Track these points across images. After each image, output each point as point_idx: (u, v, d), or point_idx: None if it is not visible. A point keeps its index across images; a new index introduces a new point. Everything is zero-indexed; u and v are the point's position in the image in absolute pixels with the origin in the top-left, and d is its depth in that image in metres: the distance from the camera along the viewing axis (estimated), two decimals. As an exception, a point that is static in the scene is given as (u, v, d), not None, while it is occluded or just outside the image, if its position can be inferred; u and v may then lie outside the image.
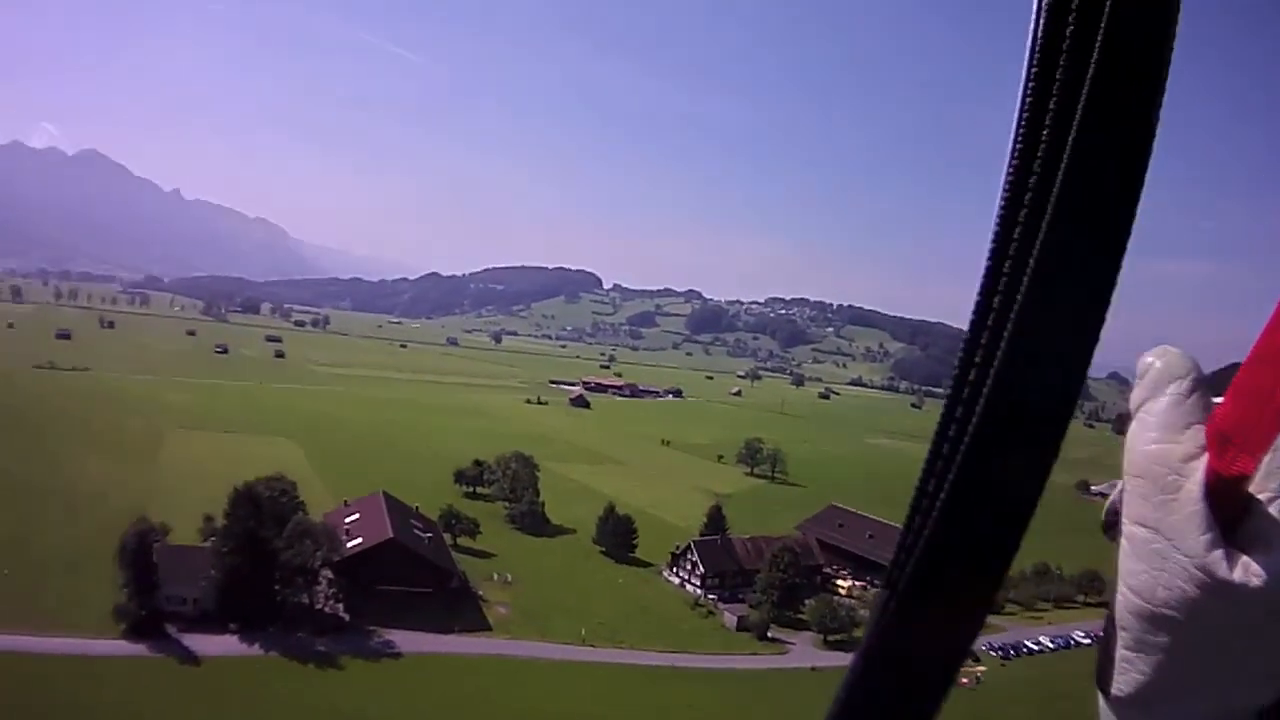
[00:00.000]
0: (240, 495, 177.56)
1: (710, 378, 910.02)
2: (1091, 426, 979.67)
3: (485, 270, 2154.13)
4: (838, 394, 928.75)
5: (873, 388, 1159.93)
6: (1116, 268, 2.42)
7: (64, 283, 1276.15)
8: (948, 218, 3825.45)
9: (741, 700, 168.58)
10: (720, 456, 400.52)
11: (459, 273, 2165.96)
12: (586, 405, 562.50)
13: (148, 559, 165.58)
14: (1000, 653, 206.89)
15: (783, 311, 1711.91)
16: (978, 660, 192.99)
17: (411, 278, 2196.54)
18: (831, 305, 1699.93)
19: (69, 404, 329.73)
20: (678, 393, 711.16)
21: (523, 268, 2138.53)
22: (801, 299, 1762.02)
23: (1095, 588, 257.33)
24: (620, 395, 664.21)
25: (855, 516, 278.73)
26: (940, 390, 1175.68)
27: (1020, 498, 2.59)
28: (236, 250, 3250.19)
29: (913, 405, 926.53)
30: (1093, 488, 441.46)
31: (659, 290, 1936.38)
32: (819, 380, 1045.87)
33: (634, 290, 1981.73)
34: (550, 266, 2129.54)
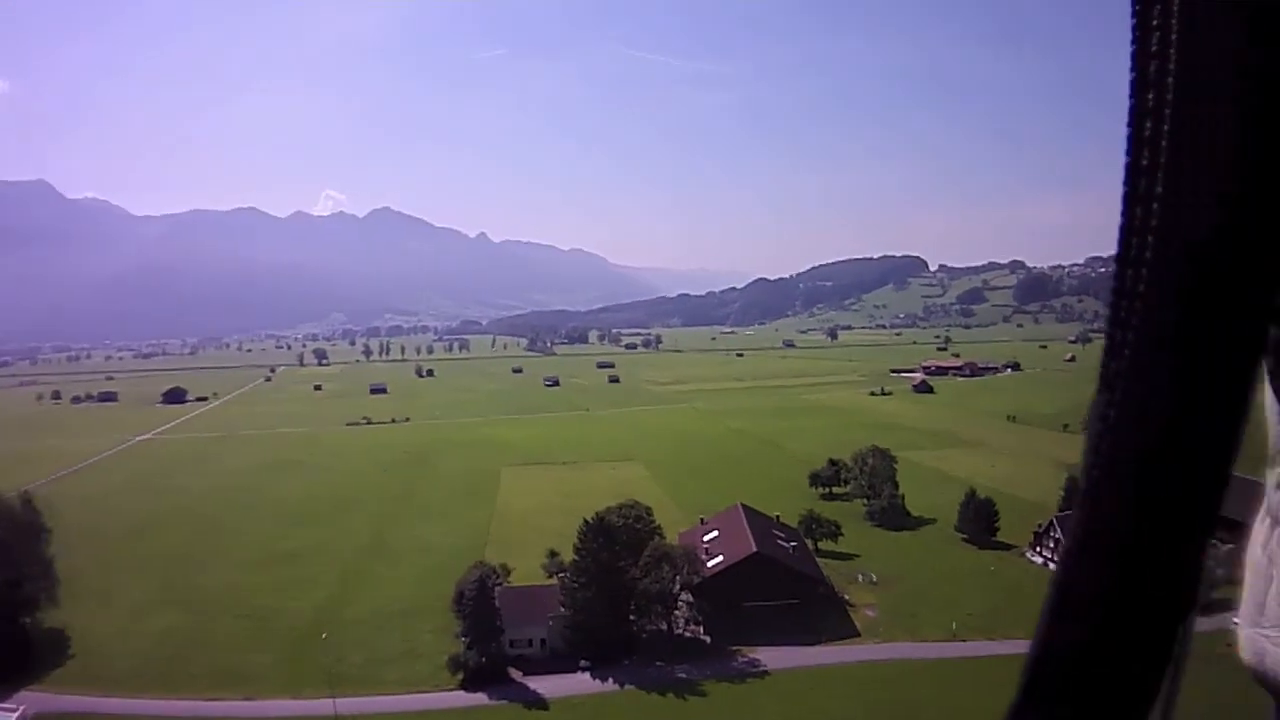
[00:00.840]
0: (591, 526, 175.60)
1: (1044, 346, 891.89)
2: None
3: (812, 269, 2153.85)
4: None
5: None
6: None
7: (372, 339, 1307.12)
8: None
9: None
10: (1066, 426, 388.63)
11: (786, 274, 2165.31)
12: (930, 390, 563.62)
13: (488, 604, 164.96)
14: None
15: (1103, 270, 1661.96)
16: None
17: (739, 286, 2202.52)
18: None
19: (386, 455, 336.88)
20: (1015, 366, 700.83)
21: (849, 261, 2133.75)
22: (1092, 258, 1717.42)
23: None
24: (960, 375, 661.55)
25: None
26: None
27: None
28: (556, 284, 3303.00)
29: None
30: None
31: (984, 265, 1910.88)
32: None
33: (959, 269, 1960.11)
34: (875, 256, 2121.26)
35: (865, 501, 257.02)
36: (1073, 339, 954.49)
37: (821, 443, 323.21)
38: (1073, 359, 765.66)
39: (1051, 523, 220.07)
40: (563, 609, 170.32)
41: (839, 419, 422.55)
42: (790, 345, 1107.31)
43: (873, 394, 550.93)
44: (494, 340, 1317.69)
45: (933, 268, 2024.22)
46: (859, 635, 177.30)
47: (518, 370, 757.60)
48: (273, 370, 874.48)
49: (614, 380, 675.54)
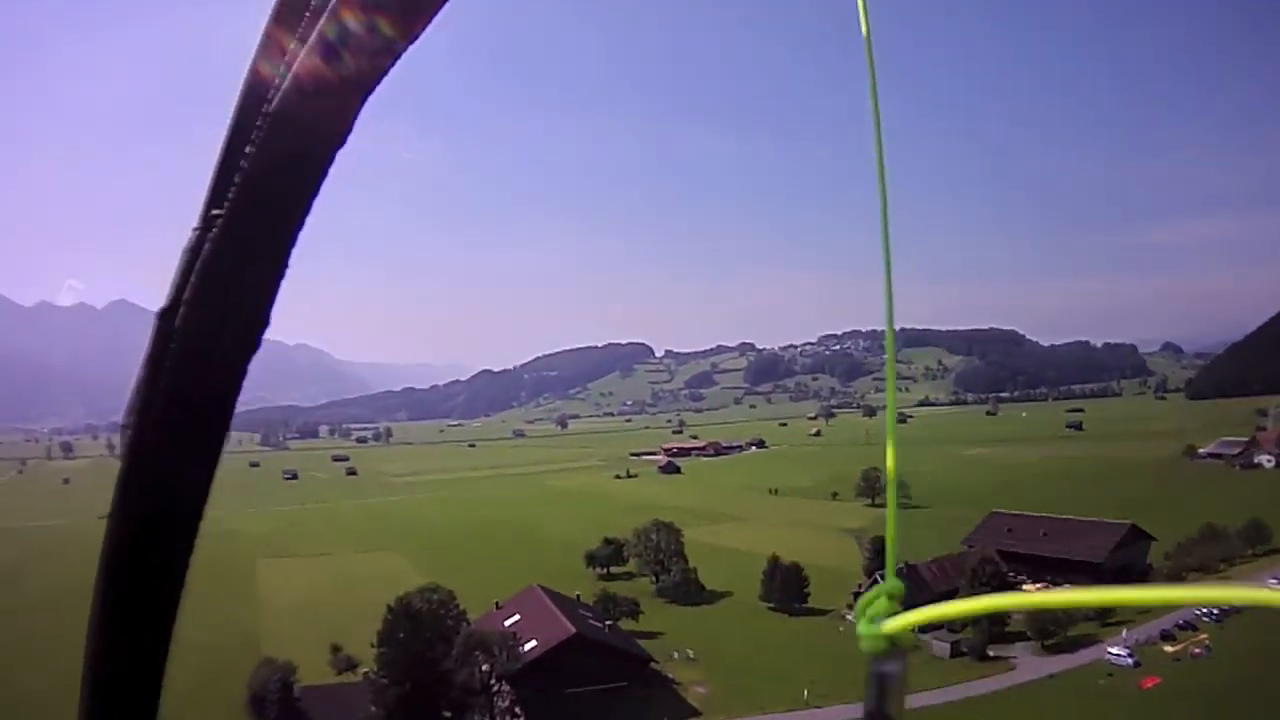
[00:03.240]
0: (397, 613, 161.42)
1: (784, 424, 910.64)
2: (1163, 398, 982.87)
3: (536, 359, 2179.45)
4: (911, 416, 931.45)
5: (940, 405, 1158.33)
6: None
7: (115, 434, 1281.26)
8: (982, 220, 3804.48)
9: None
10: (835, 494, 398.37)
11: (510, 366, 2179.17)
12: (677, 470, 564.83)
13: (292, 706, 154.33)
14: (1214, 616, 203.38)
15: (837, 347, 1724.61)
16: (1196, 630, 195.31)
17: (464, 378, 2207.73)
18: (883, 331, 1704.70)
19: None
20: (760, 443, 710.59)
21: (573, 350, 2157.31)
22: (853, 331, 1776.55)
23: (1262, 536, 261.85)
24: (705, 455, 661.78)
25: (1023, 519, 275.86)
26: (1007, 395, 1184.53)
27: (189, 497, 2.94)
28: (284, 379, 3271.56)
29: (988, 413, 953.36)
30: (1200, 451, 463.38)
31: (712, 349, 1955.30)
32: (879, 409, 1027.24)
33: (687, 354, 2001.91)
34: (600, 344, 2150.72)
35: (654, 579, 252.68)
36: (813, 415, 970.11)
37: (579, 526, 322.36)
38: (818, 434, 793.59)
39: (875, 580, 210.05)
40: (374, 708, 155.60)
41: (590, 503, 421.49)
42: (520, 435, 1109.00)
43: (618, 476, 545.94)
44: (229, 436, 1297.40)
45: (659, 354, 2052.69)
46: (700, 714, 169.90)
47: (255, 464, 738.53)
48: (23, 463, 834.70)
49: (351, 473, 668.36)
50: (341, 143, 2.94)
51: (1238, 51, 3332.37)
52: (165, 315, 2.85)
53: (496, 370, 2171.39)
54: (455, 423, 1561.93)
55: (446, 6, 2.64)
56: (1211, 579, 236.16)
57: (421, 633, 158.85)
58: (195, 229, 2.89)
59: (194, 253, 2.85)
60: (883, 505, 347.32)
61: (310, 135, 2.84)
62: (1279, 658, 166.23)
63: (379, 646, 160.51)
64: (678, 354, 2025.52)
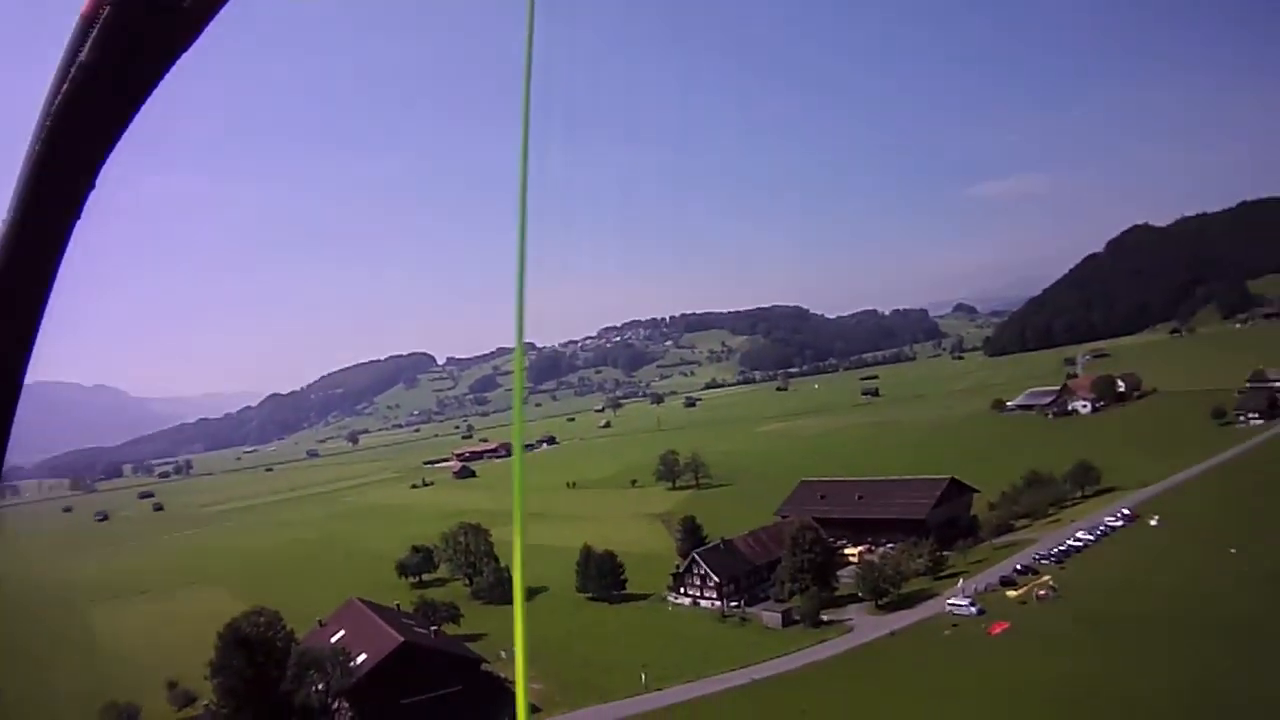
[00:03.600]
0: (228, 640, 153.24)
1: (572, 419, 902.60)
2: (960, 358, 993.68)
3: (321, 378, 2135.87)
4: (700, 400, 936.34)
5: (728, 386, 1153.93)
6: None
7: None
8: (758, 195, 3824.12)
9: (868, 682, 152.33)
10: (634, 481, 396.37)
11: (297, 387, 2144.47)
12: (472, 474, 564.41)
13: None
14: (1053, 558, 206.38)
15: (618, 339, 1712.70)
16: (1037, 574, 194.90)
17: (254, 404, 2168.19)
18: (664, 319, 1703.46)
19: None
20: (551, 440, 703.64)
21: (357, 365, 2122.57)
22: (632, 321, 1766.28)
23: (1090, 478, 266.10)
24: (497, 457, 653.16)
25: (835, 484, 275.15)
26: (796, 370, 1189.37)
27: None
28: (86, 421, 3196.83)
29: (778, 389, 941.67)
30: (1008, 404, 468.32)
31: (492, 352, 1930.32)
32: (674, 393, 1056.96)
33: (468, 359, 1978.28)
34: (383, 357, 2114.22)
35: (468, 582, 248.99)
36: (600, 408, 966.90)
37: (386, 538, 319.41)
38: (608, 425, 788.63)
39: (694, 559, 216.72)
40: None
41: (391, 514, 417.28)
42: (315, 455, 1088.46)
43: (414, 486, 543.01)
44: (40, 484, 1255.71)
45: (441, 361, 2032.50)
46: (540, 710, 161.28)
47: (68, 509, 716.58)
48: None
49: (159, 508, 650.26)
50: (111, 144, 3.06)
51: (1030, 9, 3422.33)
52: None
53: (284, 393, 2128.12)
54: (251, 449, 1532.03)
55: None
56: (1044, 523, 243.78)
57: (254, 657, 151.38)
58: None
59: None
60: (683, 486, 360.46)
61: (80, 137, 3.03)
62: (1126, 591, 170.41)
63: (214, 677, 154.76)
64: (459, 360, 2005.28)
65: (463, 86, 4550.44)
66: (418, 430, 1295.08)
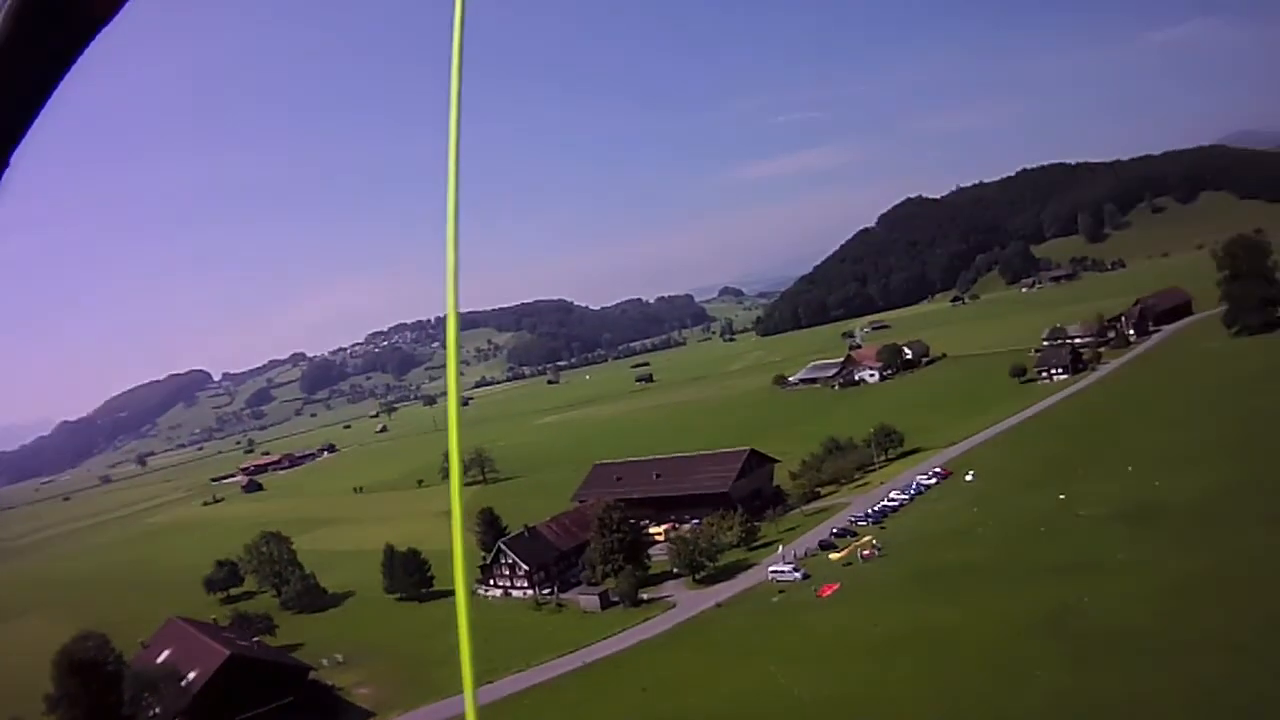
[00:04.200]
0: (63, 668, 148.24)
1: (348, 426, 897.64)
2: (732, 340, 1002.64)
3: (106, 402, 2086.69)
4: (472, 398, 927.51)
5: (498, 383, 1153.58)
6: None
7: None
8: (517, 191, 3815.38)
9: (704, 653, 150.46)
10: (421, 481, 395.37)
11: (86, 413, 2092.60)
12: (260, 487, 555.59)
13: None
14: (871, 519, 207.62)
15: (386, 343, 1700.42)
16: (857, 536, 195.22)
17: (46, 433, 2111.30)
18: (429, 321, 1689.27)
19: None
20: (331, 448, 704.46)
21: (139, 388, 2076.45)
22: (399, 325, 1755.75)
23: (893, 441, 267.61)
24: (281, 469, 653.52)
25: (630, 465, 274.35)
26: (565, 363, 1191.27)
27: None
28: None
29: (550, 382, 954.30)
30: (790, 379, 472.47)
31: (266, 365, 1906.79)
32: (445, 394, 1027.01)
33: (243, 373, 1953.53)
34: (161, 377, 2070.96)
35: (276, 592, 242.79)
36: (375, 414, 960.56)
37: (190, 556, 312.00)
38: (385, 429, 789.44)
39: (500, 548, 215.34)
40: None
41: (190, 532, 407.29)
42: (108, 480, 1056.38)
43: (206, 504, 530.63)
44: None
45: (217, 378, 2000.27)
46: (374, 714, 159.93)
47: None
48: None
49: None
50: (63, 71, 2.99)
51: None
52: None
53: (74, 419, 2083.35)
54: (47, 479, 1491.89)
55: None
56: (851, 488, 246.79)
57: (91, 684, 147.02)
58: None
59: None
60: (471, 481, 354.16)
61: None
62: (951, 542, 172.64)
63: (54, 710, 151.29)
64: (234, 375, 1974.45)
65: (228, 101, 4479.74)
66: (201, 449, 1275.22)
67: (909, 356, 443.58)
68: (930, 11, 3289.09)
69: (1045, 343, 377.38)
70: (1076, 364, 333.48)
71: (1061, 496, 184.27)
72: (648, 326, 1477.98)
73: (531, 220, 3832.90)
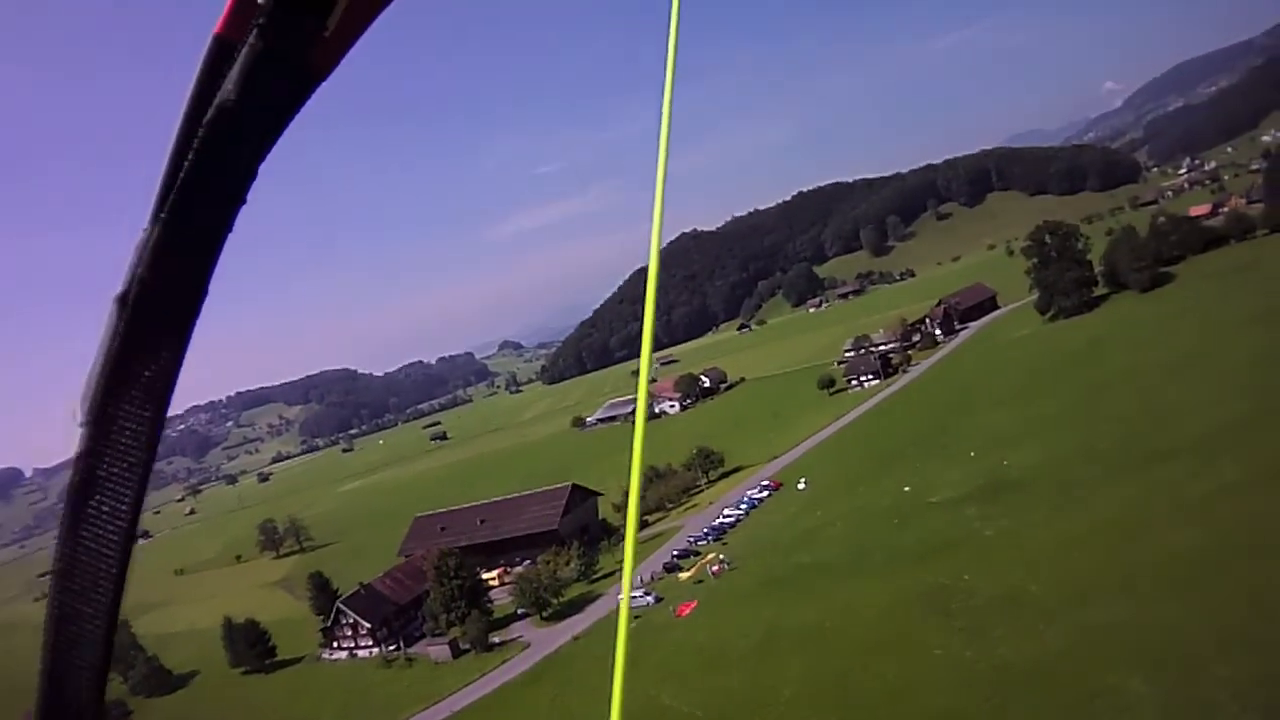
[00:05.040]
0: None
1: (158, 512, 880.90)
2: (519, 391, 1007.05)
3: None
4: (272, 473, 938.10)
5: (295, 456, 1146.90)
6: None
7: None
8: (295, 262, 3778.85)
9: (573, 686, 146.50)
10: (239, 556, 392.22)
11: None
12: None
13: None
14: (710, 537, 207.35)
15: (182, 426, 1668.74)
16: (700, 554, 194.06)
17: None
18: (220, 400, 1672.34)
19: None
20: (145, 534, 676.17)
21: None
22: (192, 408, 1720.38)
23: (713, 463, 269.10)
24: None
25: (451, 514, 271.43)
26: (357, 431, 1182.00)
27: None
28: None
29: (344, 450, 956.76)
30: (588, 419, 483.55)
31: (72, 460, 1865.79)
32: (245, 472, 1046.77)
33: (53, 468, 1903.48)
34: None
35: (123, 678, 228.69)
36: (181, 497, 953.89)
37: (30, 656, 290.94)
38: (193, 512, 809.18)
39: (339, 609, 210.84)
40: None
41: (28, 631, 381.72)
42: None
43: (37, 599, 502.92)
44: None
45: (28, 474, 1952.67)
46: None
47: None
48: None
49: None
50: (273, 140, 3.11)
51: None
52: (121, 299, 2.83)
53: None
54: None
55: None
56: (681, 511, 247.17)
57: None
58: (144, 229, 2.93)
59: (144, 244, 2.84)
60: (288, 552, 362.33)
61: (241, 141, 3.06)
62: (799, 546, 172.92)
63: None
64: (46, 470, 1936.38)
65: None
66: (22, 547, 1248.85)
67: (707, 384, 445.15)
68: (696, 40, 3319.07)
69: (850, 352, 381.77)
70: (887, 368, 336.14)
71: (907, 489, 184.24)
72: (432, 387, 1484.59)
73: (315, 284, 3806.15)
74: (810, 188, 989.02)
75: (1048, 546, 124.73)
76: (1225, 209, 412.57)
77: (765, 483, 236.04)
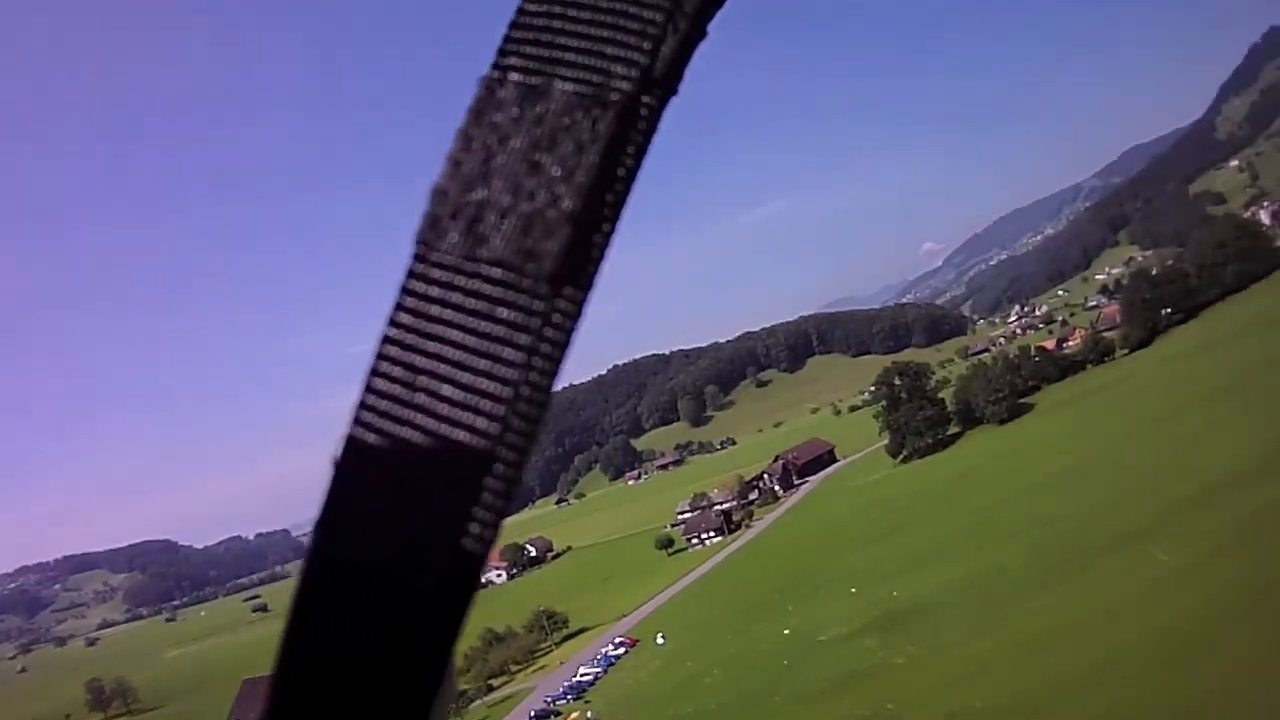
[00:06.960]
0: None
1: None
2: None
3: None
4: (98, 639, 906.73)
5: (120, 624, 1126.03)
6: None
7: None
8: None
9: None
10: (68, 716, 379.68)
11: None
12: None
13: None
14: (569, 695, 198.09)
15: (13, 585, 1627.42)
16: (560, 714, 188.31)
17: None
18: (49, 562, 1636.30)
19: None
20: None
21: None
22: (22, 568, 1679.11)
23: (557, 623, 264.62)
24: None
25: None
26: (179, 602, 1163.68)
27: None
28: None
29: (167, 620, 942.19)
30: None
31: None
32: (74, 636, 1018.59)
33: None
34: None
35: None
36: (13, 655, 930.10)
37: None
38: (24, 670, 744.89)
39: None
40: None
41: None
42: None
43: None
44: None
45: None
46: None
47: None
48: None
49: None
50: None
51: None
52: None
53: None
54: None
55: None
56: (529, 673, 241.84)
57: None
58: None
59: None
60: (119, 715, 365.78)
61: None
62: (675, 695, 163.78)
63: None
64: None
65: None
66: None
67: (533, 554, 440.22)
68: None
69: (688, 513, 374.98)
70: (729, 525, 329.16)
71: (786, 631, 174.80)
72: (251, 562, 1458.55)
73: (137, 454, 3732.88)
74: (625, 361, 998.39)
75: (971, 665, 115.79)
76: (1071, 343, 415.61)
77: (619, 639, 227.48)
